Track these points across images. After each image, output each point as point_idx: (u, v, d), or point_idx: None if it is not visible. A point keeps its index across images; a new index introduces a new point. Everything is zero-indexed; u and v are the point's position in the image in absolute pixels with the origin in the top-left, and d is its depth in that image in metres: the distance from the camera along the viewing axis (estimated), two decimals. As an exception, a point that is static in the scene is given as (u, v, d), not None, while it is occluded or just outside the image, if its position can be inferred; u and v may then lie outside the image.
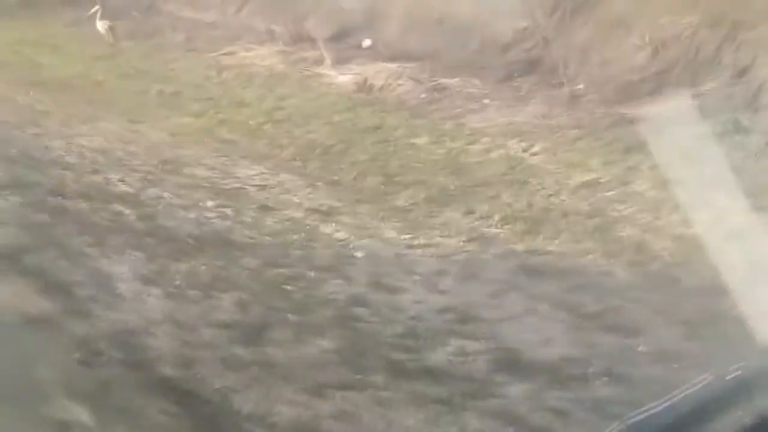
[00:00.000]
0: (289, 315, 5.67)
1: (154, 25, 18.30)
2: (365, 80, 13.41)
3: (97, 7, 17.54)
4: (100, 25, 17.29)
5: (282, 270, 6.69)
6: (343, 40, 15.72)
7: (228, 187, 9.42)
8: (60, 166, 9.63)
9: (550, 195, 8.65)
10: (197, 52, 16.05)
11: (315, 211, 8.62)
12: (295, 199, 9.07)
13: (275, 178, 9.84)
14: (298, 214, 8.52)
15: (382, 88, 13.25)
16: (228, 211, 8.36)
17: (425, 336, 5.49)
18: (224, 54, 15.75)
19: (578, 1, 13.50)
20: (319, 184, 9.67)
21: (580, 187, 8.62)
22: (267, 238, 7.61)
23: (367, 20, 16.19)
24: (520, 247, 7.32)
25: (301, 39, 15.98)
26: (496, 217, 8.01)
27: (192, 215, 8.08)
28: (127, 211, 7.79)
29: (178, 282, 5.85)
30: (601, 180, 8.74)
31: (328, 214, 8.48)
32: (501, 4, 14.07)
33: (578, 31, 12.99)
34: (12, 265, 5.88)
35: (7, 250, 6.08)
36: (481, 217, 8.06)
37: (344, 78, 13.91)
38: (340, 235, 7.77)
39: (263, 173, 10.06)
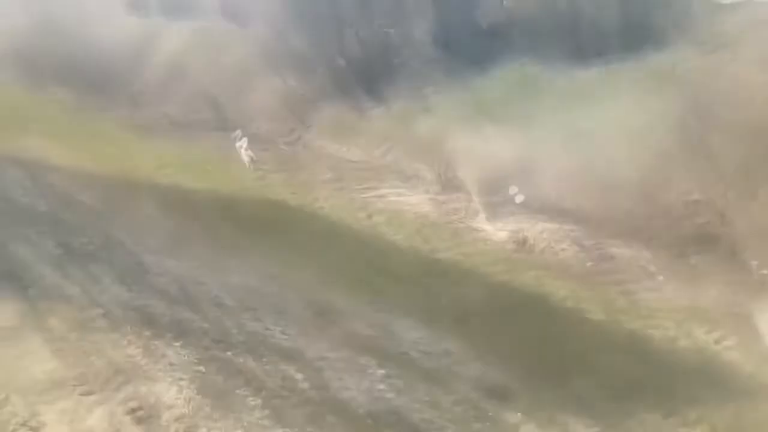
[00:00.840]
0: None
1: (301, 159, 18.13)
2: (524, 240, 12.71)
3: (239, 135, 17.50)
4: (244, 155, 17.22)
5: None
6: (495, 190, 15.13)
7: (393, 351, 8.70)
8: (219, 309, 9.11)
9: (758, 402, 7.65)
10: (345, 191, 15.68)
11: (490, 391, 7.81)
12: (467, 373, 8.29)
13: (440, 344, 9.09)
14: (474, 393, 7.73)
15: (542, 250, 12.51)
16: (399, 382, 7.62)
17: None
18: (374, 196, 15.34)
19: (757, 178, 12.67)
20: (488, 356, 8.87)
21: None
22: (449, 424, 6.81)
23: (521, 170, 15.60)
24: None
25: (451, 186, 15.49)
26: (704, 428, 7.04)
27: (363, 384, 7.37)
28: (298, 375, 7.14)
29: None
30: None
31: (505, 398, 7.65)
32: (669, 169, 13.38)
33: (760, 209, 12.09)
34: (192, 441, 5.26)
35: (186, 419, 5.47)
36: (687, 424, 7.09)
37: (501, 234, 13.24)
38: (528, 428, 6.91)
39: (427, 336, 9.33)
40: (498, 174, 15.54)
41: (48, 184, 14.18)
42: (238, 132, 17.64)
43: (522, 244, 12.68)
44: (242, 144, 17.21)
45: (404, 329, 9.47)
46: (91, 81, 23.97)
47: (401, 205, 14.78)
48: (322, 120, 19.78)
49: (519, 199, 14.91)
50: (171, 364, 6.56)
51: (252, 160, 17.14)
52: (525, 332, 9.52)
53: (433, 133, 17.46)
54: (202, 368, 6.49)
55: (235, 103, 21.39)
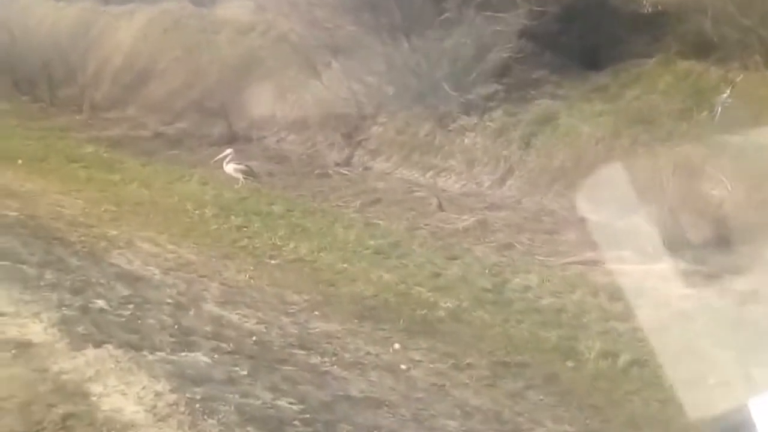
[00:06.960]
0: None
1: (380, 189, 11.25)
2: None
3: (229, 151, 11.06)
4: (231, 168, 10.78)
5: None
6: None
7: None
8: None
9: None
10: (519, 250, 8.98)
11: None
12: None
13: None
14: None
15: None
16: None
17: None
18: (577, 263, 8.69)
19: None
20: None
21: None
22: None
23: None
24: None
25: (679, 245, 9.04)
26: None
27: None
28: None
29: None
30: None
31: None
32: None
33: None
34: None
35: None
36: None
37: None
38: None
39: None
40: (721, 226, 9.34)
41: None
42: (230, 151, 11.08)
43: None
44: (239, 166, 10.75)
45: None
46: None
47: (641, 281, 8.19)
48: (378, 133, 13.06)
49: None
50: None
51: (245, 174, 10.68)
52: None
53: (576, 156, 11.11)
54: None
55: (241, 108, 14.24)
